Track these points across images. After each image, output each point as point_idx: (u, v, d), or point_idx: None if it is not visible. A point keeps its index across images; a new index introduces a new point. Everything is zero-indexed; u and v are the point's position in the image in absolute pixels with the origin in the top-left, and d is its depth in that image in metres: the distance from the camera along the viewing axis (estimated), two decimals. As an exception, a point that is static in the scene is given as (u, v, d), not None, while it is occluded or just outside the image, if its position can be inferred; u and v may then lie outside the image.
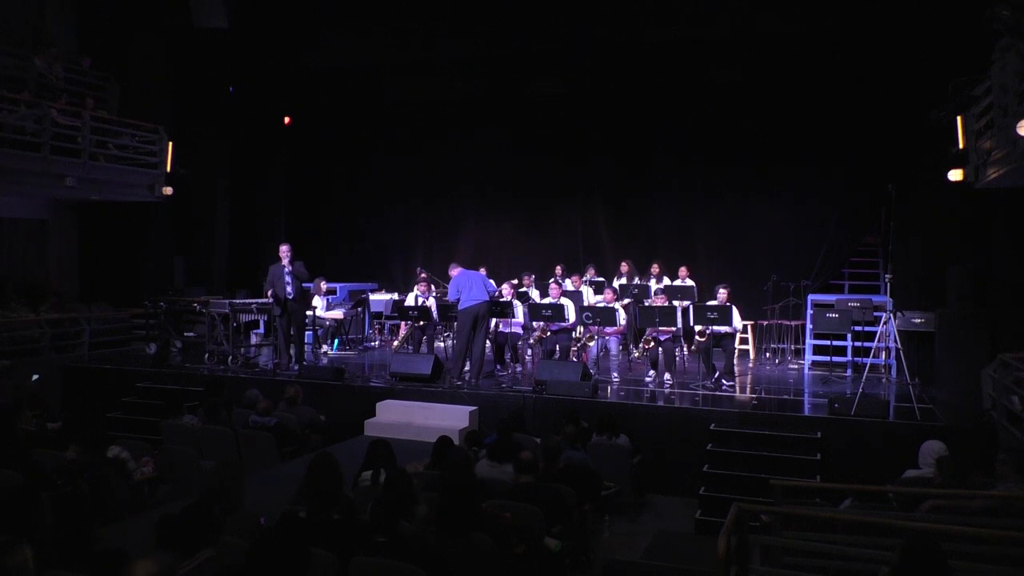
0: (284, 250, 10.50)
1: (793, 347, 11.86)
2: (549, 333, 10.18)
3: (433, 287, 12.31)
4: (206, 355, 11.32)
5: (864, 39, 11.11)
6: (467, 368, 9.76)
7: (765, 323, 11.95)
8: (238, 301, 11.66)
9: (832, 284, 12.49)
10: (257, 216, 15.77)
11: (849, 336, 10.71)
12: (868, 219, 12.33)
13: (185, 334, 12.87)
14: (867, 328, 10.05)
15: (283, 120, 15.72)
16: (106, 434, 6.91)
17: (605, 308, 9.98)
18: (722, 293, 9.86)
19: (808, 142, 12.45)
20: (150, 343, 12.44)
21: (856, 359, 10.60)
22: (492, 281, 11.09)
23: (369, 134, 15.60)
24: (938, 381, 9.56)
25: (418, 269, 13.03)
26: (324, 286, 12.89)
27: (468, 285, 9.76)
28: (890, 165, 11.19)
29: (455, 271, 10.19)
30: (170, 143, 12.70)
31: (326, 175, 16.15)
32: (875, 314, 10.18)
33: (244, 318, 11.51)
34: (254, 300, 11.66)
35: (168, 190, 12.73)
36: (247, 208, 15.47)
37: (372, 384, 9.84)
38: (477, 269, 13.21)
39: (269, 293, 10.42)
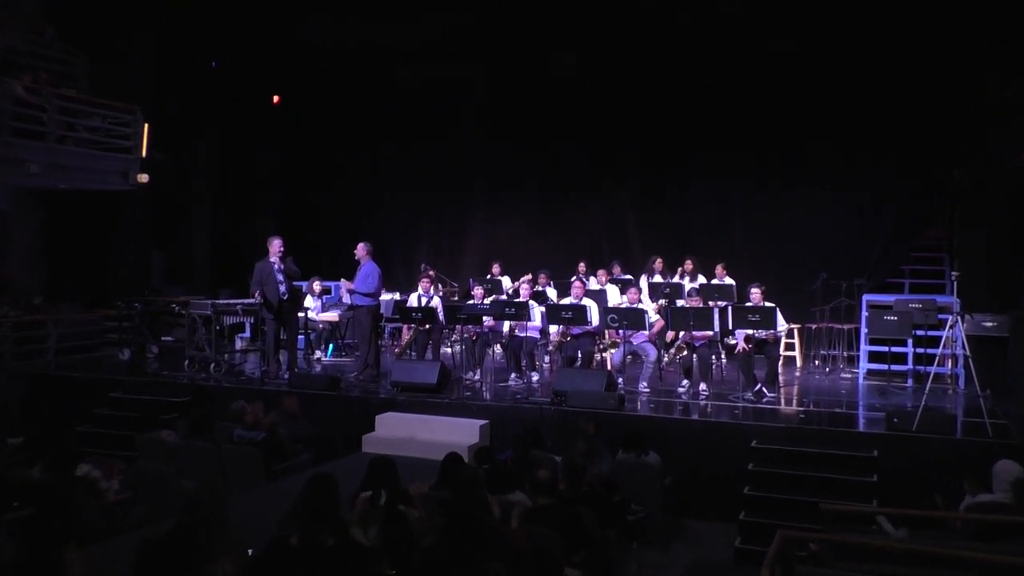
0: (276, 245, 10.57)
1: (846, 354, 11.78)
2: (570, 338, 10.17)
3: (440, 285, 12.34)
4: (186, 362, 11.37)
5: (921, 3, 11.00)
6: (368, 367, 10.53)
7: (814, 326, 11.87)
8: (222, 302, 11.69)
9: (890, 283, 12.38)
10: (244, 207, 15.84)
11: (910, 342, 10.62)
12: (931, 209, 12.22)
13: (162, 338, 12.94)
14: (930, 333, 9.98)
15: (272, 99, 15.77)
16: (75, 450, 6.96)
17: (632, 310, 9.95)
18: (755, 293, 9.79)
19: (860, 123, 12.32)
20: (123, 348, 12.51)
21: (918, 368, 10.51)
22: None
23: (370, 118, 15.60)
24: (1013, 393, 9.46)
25: (423, 265, 13.05)
26: (319, 286, 12.93)
27: (382, 280, 10.49)
28: (956, 148, 11.08)
29: (364, 255, 10.55)
30: (146, 125, 12.77)
31: (322, 162, 16.18)
32: (940, 316, 10.09)
33: (228, 320, 11.56)
34: (239, 300, 11.70)
35: (144, 178, 12.80)
36: (233, 198, 15.54)
37: (371, 394, 9.85)
38: (489, 266, 13.32)
39: (257, 294, 10.46)
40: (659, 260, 12.55)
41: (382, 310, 13.01)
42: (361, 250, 10.62)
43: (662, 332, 10.72)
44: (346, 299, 11.37)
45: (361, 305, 10.59)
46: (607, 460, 7.45)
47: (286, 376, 10.52)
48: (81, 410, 10.47)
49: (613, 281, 12.11)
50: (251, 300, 10.81)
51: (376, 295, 10.58)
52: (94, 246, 13.76)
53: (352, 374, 10.74)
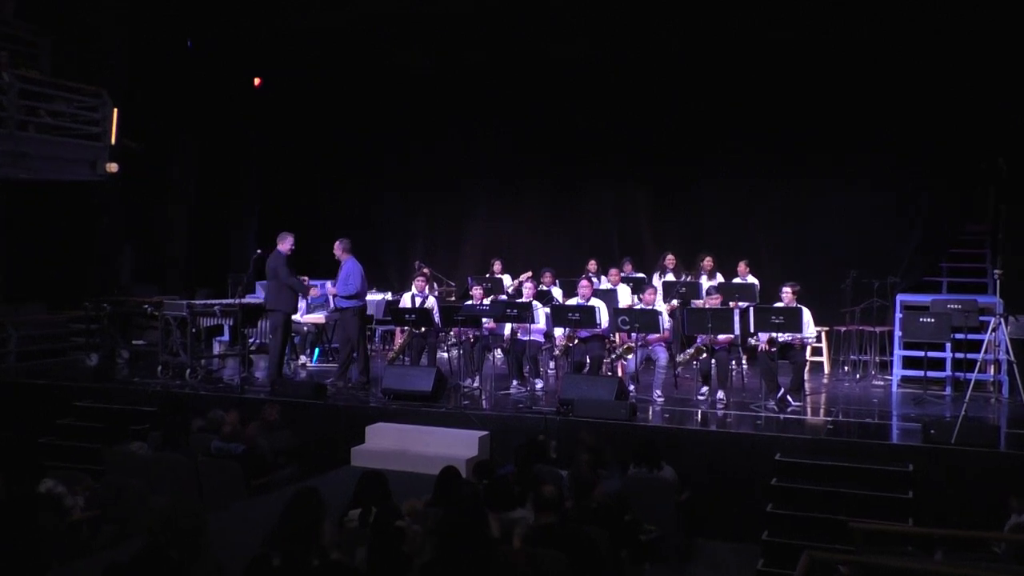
0: (290, 241, 10.74)
1: (878, 359, 11.77)
2: (577, 341, 10.16)
3: (436, 284, 12.32)
4: (159, 367, 11.38)
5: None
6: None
7: (843, 329, 11.86)
8: (198, 302, 11.70)
9: (927, 281, 12.38)
10: (225, 200, 15.85)
11: (948, 346, 10.60)
12: (972, 201, 12.21)
13: (134, 342, 12.96)
14: (971, 336, 9.94)
15: (253, 82, 15.76)
16: (37, 464, 6.97)
17: (646, 311, 9.95)
18: (787, 293, 9.80)
19: (894, 107, 12.31)
20: (91, 353, 12.52)
21: (957, 374, 10.49)
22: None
23: (362, 106, 15.66)
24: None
25: (417, 262, 13.05)
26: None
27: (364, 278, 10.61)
28: (999, 134, 11.07)
29: (344, 252, 10.58)
30: (115, 110, 12.76)
31: (310, 152, 16.23)
32: (981, 318, 10.05)
33: (205, 323, 11.57)
34: (217, 301, 11.71)
35: (113, 167, 12.79)
36: (211, 190, 15.54)
37: (360, 403, 9.86)
38: (491, 264, 13.32)
39: (313, 286, 10.60)
40: (670, 256, 12.53)
41: (372, 311, 13.06)
42: (339, 248, 10.65)
43: (677, 336, 10.72)
44: (332, 303, 11.37)
45: (346, 307, 10.61)
46: (616, 475, 7.45)
47: (258, 379, 10.55)
48: (44, 420, 10.46)
49: (625, 280, 12.10)
50: (230, 300, 10.83)
51: (360, 295, 10.60)
52: (59, 241, 13.75)
53: (329, 380, 10.72)
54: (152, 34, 14.32)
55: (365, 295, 10.82)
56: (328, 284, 11.09)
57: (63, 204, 13.67)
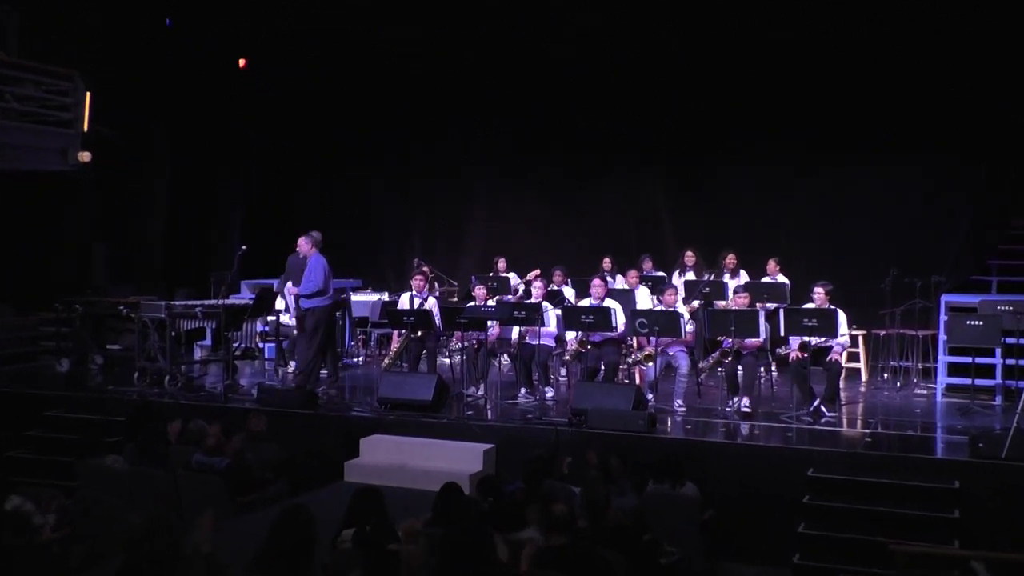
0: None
1: (920, 366, 11.74)
2: (590, 346, 10.15)
3: (436, 284, 12.31)
4: (135, 374, 11.41)
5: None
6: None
7: (882, 333, 11.84)
8: (178, 303, 11.73)
9: (974, 281, 12.34)
10: (206, 192, 15.87)
11: (998, 351, 10.57)
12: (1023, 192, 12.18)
13: (108, 346, 12.97)
14: (1023, 340, 9.90)
15: (238, 64, 15.79)
16: (4, 479, 6.98)
17: (665, 313, 9.93)
18: (819, 294, 9.76)
19: (938, 91, 12.27)
20: (62, 358, 12.54)
21: (1008, 382, 10.45)
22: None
23: (356, 94, 15.69)
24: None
25: (416, 260, 13.05)
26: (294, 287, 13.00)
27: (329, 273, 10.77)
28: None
29: (309, 249, 10.73)
30: (88, 94, 12.78)
31: (302, 145, 16.28)
32: (1033, 321, 10.03)
33: (186, 325, 11.59)
34: (199, 302, 11.72)
35: (86, 156, 12.80)
36: (193, 182, 15.56)
37: (355, 413, 9.89)
38: (494, 261, 13.32)
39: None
40: (689, 253, 12.52)
41: (367, 313, 13.10)
42: (304, 244, 10.78)
43: (699, 340, 10.69)
44: (289, 303, 11.42)
45: (308, 308, 10.71)
46: (629, 491, 7.45)
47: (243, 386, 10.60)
48: (11, 431, 10.48)
49: (644, 280, 12.07)
50: (213, 301, 10.87)
51: (324, 291, 10.68)
52: (27, 237, 13.77)
53: (321, 388, 10.74)
54: (129, 12, 14.34)
55: (330, 291, 10.87)
56: (289, 285, 11.12)
57: (31, 196, 13.70)
